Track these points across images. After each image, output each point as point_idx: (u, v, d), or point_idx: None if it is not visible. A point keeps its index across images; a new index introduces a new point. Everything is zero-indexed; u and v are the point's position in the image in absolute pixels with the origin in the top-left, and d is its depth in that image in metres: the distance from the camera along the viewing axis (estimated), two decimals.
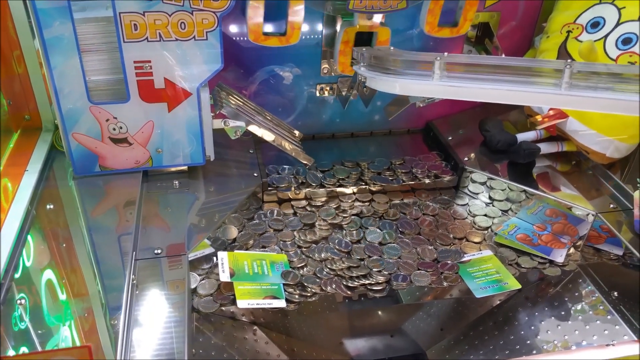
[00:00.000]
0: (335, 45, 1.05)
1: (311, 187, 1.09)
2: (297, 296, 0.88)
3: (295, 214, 1.05)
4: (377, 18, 1.01)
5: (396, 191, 1.12)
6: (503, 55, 1.12)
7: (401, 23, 1.08)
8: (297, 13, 0.98)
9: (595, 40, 1.01)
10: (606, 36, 1.01)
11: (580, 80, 0.80)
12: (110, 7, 0.84)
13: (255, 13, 0.96)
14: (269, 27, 1.01)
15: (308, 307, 0.90)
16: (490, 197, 1.10)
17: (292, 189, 1.08)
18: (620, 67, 0.90)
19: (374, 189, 1.11)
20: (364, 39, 1.04)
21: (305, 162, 1.09)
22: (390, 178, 1.13)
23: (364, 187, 1.10)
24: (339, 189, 1.09)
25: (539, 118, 1.09)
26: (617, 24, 1.00)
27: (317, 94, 1.17)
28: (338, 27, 1.06)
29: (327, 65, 1.12)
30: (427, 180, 1.13)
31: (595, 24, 1.03)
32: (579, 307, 0.93)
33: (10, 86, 1.02)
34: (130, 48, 0.88)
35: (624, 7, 1.01)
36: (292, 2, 0.96)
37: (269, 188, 1.07)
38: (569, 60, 0.80)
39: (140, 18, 0.85)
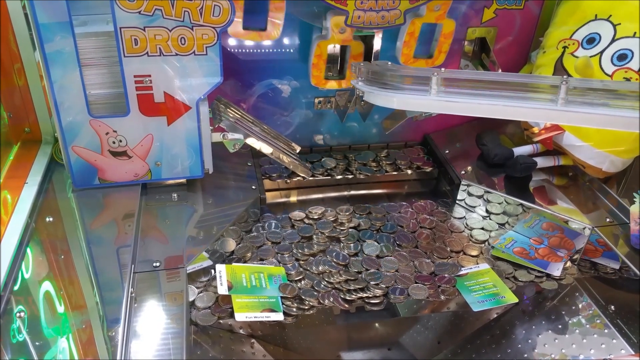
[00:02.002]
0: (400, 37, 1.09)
1: (301, 177, 1.13)
2: (294, 309, 0.89)
3: (293, 227, 1.06)
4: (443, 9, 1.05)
5: (382, 182, 1.18)
6: (499, 70, 1.13)
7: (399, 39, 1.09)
8: (357, 59, 1.04)
9: (591, 56, 1.02)
10: (602, 52, 1.02)
11: (577, 96, 0.81)
12: (111, 22, 0.85)
13: (320, 60, 1.04)
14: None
15: (306, 320, 0.90)
16: (487, 211, 1.11)
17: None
18: (616, 83, 0.91)
19: (361, 177, 1.17)
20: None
21: (303, 175, 1.10)
22: (375, 169, 1.18)
23: (350, 176, 1.17)
24: (327, 178, 1.17)
25: (535, 130, 1.10)
26: (613, 40, 1.02)
27: (315, 107, 1.18)
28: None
29: None
30: (409, 171, 1.19)
31: (591, 40, 1.04)
32: (576, 320, 0.94)
33: (10, 99, 1.02)
34: (131, 62, 0.88)
35: (619, 24, 1.02)
36: (353, 49, 1.04)
37: (263, 177, 1.13)
38: (565, 77, 0.81)
39: (141, 33, 0.86)
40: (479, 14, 1.14)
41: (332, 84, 1.10)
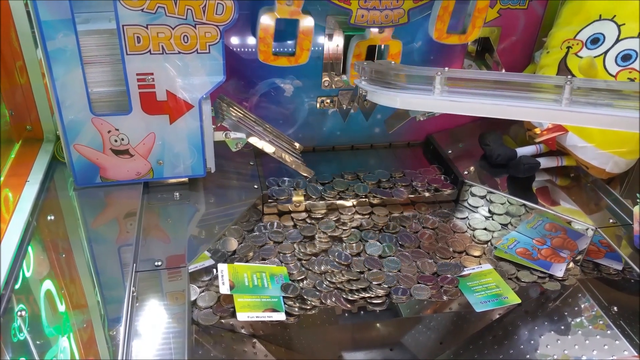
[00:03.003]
0: (347, 58, 1.08)
1: (311, 200, 1.09)
2: (296, 309, 0.88)
3: (295, 226, 1.05)
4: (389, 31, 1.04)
5: (396, 204, 1.12)
6: (503, 70, 1.13)
7: (402, 36, 1.09)
8: (306, 34, 1.00)
9: (595, 56, 1.02)
10: (606, 52, 1.02)
11: (581, 96, 0.80)
12: (113, 20, 0.85)
13: (266, 34, 0.98)
14: (278, 47, 1.03)
15: (307, 320, 0.90)
16: (489, 211, 1.10)
17: (293, 200, 1.08)
18: (620, 83, 0.91)
19: (374, 202, 1.11)
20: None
21: (305, 174, 1.09)
22: (389, 191, 1.13)
23: (363, 199, 1.10)
24: (339, 202, 1.10)
25: (537, 131, 1.10)
26: (617, 41, 1.01)
27: (318, 107, 1.18)
28: (339, 41, 1.06)
29: (327, 78, 1.13)
30: (426, 194, 1.13)
31: (595, 40, 1.04)
32: (578, 321, 0.93)
33: (12, 96, 1.02)
34: (133, 60, 0.88)
35: (624, 24, 1.01)
36: (302, 23, 0.98)
37: (269, 200, 1.07)
38: (569, 77, 0.81)
39: (144, 31, 0.86)
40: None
41: (282, 61, 1.03)
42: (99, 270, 0.84)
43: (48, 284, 0.81)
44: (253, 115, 1.07)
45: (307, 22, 0.99)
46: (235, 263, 0.94)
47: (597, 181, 1.09)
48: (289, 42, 1.04)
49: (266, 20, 0.97)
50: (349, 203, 1.10)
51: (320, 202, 1.09)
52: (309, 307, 0.89)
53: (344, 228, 1.05)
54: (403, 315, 0.97)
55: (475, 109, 0.86)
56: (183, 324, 0.77)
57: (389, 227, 1.06)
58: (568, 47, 1.07)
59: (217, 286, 0.88)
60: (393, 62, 0.98)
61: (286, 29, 1.02)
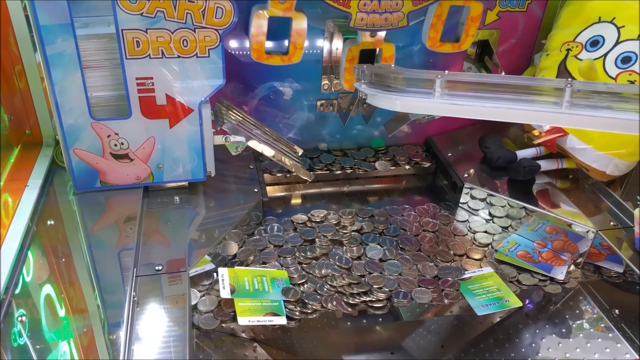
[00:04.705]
0: (340, 63, 1.07)
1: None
2: (297, 313, 0.88)
3: (295, 229, 1.05)
4: (381, 35, 1.02)
5: (380, 177, 1.21)
6: (503, 73, 1.13)
7: (401, 40, 1.09)
8: (299, 32, 0.99)
9: (594, 59, 1.02)
10: (605, 55, 1.02)
11: (581, 99, 0.80)
12: (112, 24, 0.85)
13: (259, 31, 0.97)
14: (271, 46, 1.03)
15: (308, 324, 0.90)
16: (490, 214, 1.10)
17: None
18: (620, 86, 0.91)
19: (360, 172, 1.19)
20: (368, 55, 1.05)
21: (305, 177, 1.09)
22: (373, 164, 1.21)
23: (349, 171, 1.19)
24: (326, 173, 1.18)
25: (536, 132, 1.09)
26: (617, 43, 1.01)
27: (317, 110, 1.18)
28: (339, 44, 1.06)
29: (327, 82, 1.13)
30: (407, 167, 1.21)
31: (595, 43, 1.04)
32: (579, 324, 0.93)
33: (11, 101, 1.02)
34: (133, 65, 0.88)
35: (623, 26, 1.01)
36: (295, 21, 0.97)
37: (264, 173, 1.14)
38: (569, 79, 0.81)
39: (143, 35, 0.86)
40: (481, 16, 1.13)
41: (276, 60, 1.03)
42: (99, 275, 0.84)
43: (48, 289, 0.80)
44: (252, 119, 1.07)
45: (300, 20, 0.98)
46: (236, 267, 0.94)
47: (598, 183, 1.09)
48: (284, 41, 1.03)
49: (258, 18, 0.97)
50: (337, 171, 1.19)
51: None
52: (309, 311, 0.89)
53: (345, 231, 1.05)
54: (404, 318, 0.97)
55: (476, 112, 0.86)
56: (184, 329, 0.77)
57: (390, 231, 1.06)
58: (568, 50, 1.07)
59: (218, 290, 0.88)
60: (393, 66, 0.98)
61: (280, 28, 1.01)
